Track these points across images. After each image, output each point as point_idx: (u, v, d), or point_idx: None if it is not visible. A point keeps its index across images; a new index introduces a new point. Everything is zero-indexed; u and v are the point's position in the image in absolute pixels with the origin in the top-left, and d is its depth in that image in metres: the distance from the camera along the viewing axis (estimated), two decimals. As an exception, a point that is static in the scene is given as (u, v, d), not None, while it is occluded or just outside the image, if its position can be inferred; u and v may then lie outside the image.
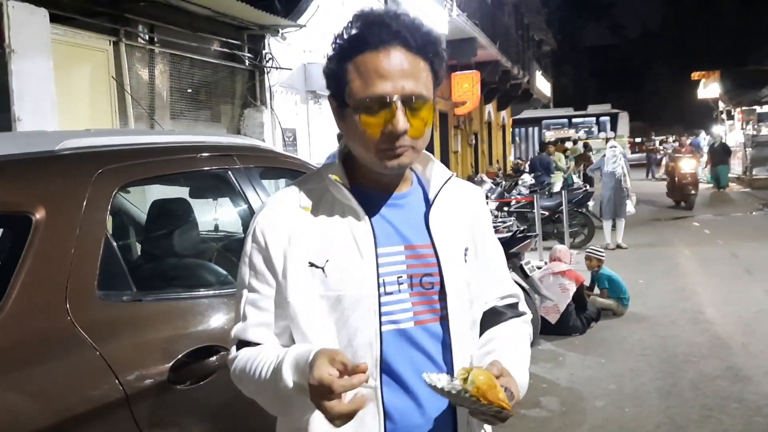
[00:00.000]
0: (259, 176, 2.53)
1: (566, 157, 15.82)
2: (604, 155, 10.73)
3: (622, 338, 5.74)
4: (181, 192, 2.71)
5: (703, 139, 23.63)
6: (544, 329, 5.52)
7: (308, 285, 1.23)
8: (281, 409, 1.23)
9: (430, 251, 1.29)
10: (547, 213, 10.18)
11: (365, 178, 1.29)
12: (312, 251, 1.23)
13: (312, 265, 1.23)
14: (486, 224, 1.43)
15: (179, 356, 1.80)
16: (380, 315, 1.22)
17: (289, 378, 1.15)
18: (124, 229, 2.58)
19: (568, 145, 19.41)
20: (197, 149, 2.32)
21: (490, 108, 21.70)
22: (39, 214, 1.64)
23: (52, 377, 1.54)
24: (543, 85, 26.55)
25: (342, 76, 1.21)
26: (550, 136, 25.17)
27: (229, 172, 2.39)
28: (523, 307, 1.47)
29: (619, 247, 10.17)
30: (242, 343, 1.28)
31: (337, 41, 1.23)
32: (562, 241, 9.50)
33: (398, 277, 1.25)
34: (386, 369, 1.23)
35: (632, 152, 32.59)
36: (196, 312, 1.98)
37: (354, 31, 1.20)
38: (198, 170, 2.32)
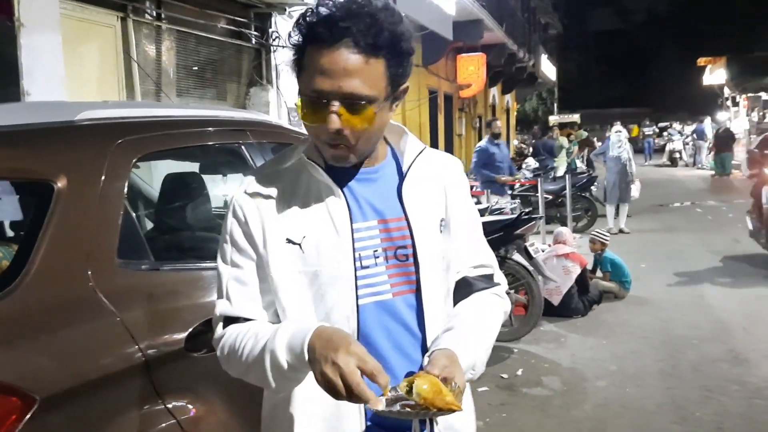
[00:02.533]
0: (271, 152, 2.56)
1: (570, 141, 15.80)
2: (609, 140, 10.72)
3: (624, 321, 5.79)
4: (193, 166, 2.74)
5: (708, 126, 23.51)
6: (547, 311, 5.57)
7: (286, 261, 1.26)
8: (268, 383, 1.22)
9: (404, 224, 1.31)
10: (550, 197, 10.20)
11: None
12: (289, 228, 1.27)
13: (289, 241, 1.26)
14: (462, 194, 1.43)
15: (195, 325, 1.84)
16: (357, 289, 1.26)
17: (283, 358, 1.16)
18: (140, 200, 2.62)
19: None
20: (212, 123, 2.34)
21: (494, 91, 21.62)
22: (61, 183, 1.67)
23: (75, 342, 1.58)
24: (548, 69, 26.42)
25: (300, 60, 1.22)
26: (554, 120, 25.09)
27: (243, 147, 2.42)
28: (498, 278, 1.46)
29: (621, 231, 10.19)
30: (229, 321, 1.30)
31: (299, 23, 1.21)
32: (564, 225, 9.53)
33: (374, 251, 1.29)
34: (363, 341, 1.24)
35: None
36: (212, 282, 2.02)
37: (310, 20, 1.19)
38: (213, 144, 2.34)
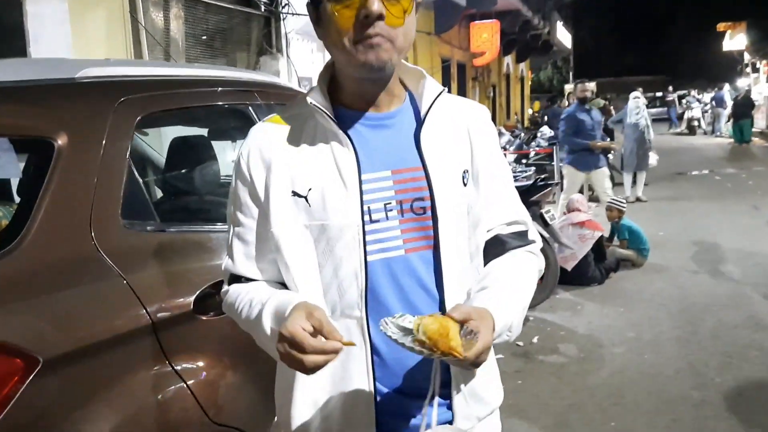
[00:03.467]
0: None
1: (586, 109, 15.55)
2: (627, 107, 10.52)
3: (641, 288, 5.71)
4: (200, 129, 2.68)
5: (727, 93, 23.06)
6: (563, 279, 5.50)
7: (292, 215, 1.20)
8: (264, 344, 1.21)
9: (421, 174, 1.21)
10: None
11: (349, 98, 1.23)
12: (295, 180, 1.20)
13: (295, 194, 1.19)
14: (490, 145, 1.32)
15: (203, 287, 1.80)
16: (365, 244, 1.18)
17: (267, 325, 1.15)
18: (147, 164, 2.57)
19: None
20: (218, 83, 2.27)
21: (508, 60, 21.30)
22: (61, 140, 1.62)
23: (78, 303, 1.53)
24: (564, 36, 25.95)
25: None
26: (569, 88, 24.71)
27: (250, 108, 2.35)
28: (532, 235, 1.36)
29: (638, 200, 10.06)
30: (233, 278, 1.29)
31: None
32: (580, 193, 9.40)
33: (386, 204, 1.20)
34: (373, 299, 1.19)
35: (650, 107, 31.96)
36: (219, 244, 1.97)
37: None
38: (218, 104, 2.28)
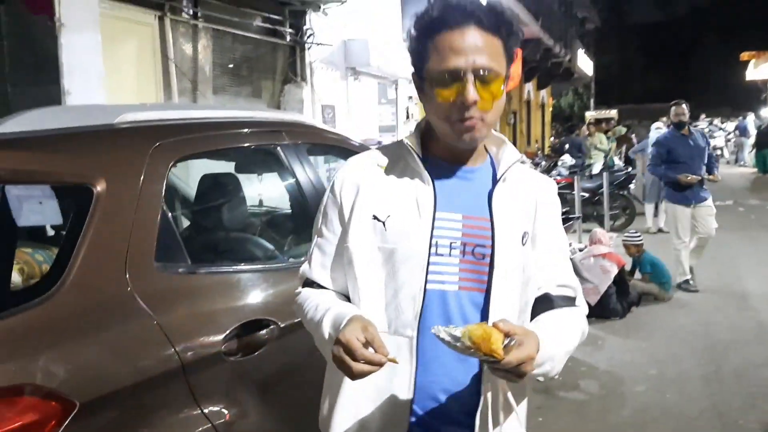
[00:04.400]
0: (306, 152, 2.54)
1: (608, 138, 15.52)
2: (649, 137, 10.49)
3: (664, 323, 5.65)
4: (229, 167, 2.74)
5: (751, 122, 22.87)
6: (584, 312, 5.47)
7: (369, 236, 1.35)
8: (321, 345, 1.36)
9: (488, 225, 1.36)
10: (587, 195, 10.02)
11: (440, 150, 1.40)
12: (377, 206, 1.36)
13: (375, 218, 1.35)
14: (552, 216, 1.47)
15: (231, 328, 1.83)
16: (427, 273, 1.32)
17: (326, 330, 1.30)
18: (176, 201, 2.63)
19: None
20: (248, 125, 2.33)
21: (530, 87, 21.37)
22: (100, 186, 1.68)
23: (113, 346, 1.58)
24: (585, 63, 26.00)
25: (423, 54, 1.32)
26: (590, 116, 24.69)
27: (278, 148, 2.41)
28: (579, 301, 1.47)
29: (660, 231, 9.96)
30: (307, 282, 1.45)
31: (419, 21, 1.34)
32: (601, 224, 9.36)
33: (451, 242, 1.34)
34: (425, 323, 1.32)
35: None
36: (247, 285, 2.01)
37: (434, 13, 1.31)
38: (249, 145, 2.33)
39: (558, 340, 1.33)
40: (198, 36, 6.70)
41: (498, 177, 1.40)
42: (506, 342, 1.16)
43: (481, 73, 1.27)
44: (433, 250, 1.33)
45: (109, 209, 1.68)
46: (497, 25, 1.30)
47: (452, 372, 1.34)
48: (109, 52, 5.30)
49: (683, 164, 6.52)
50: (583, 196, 9.52)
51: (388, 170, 1.40)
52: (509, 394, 1.40)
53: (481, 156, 1.43)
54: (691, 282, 6.66)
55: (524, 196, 1.43)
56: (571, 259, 4.69)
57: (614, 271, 5.78)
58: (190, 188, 2.74)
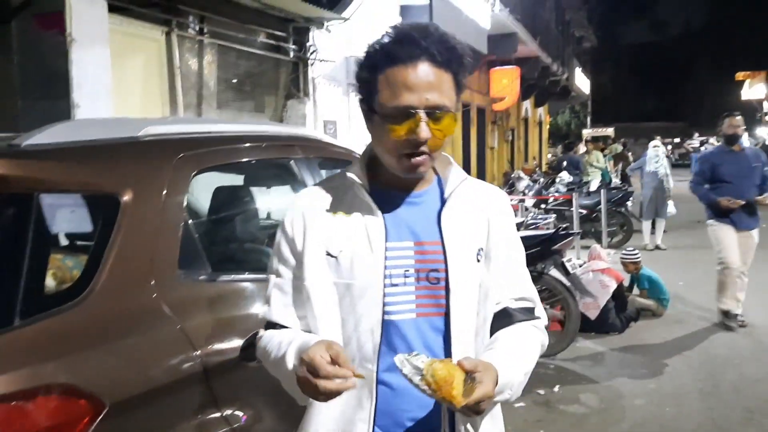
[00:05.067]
0: (317, 166, 2.62)
1: (604, 156, 15.66)
2: (646, 154, 10.62)
3: (662, 339, 5.72)
4: (241, 179, 2.81)
5: (747, 141, 23.05)
6: (583, 327, 5.53)
7: (324, 272, 1.35)
8: (289, 386, 1.32)
9: (439, 248, 1.36)
10: (585, 212, 10.12)
11: (386, 178, 1.38)
12: (329, 242, 1.35)
13: (328, 254, 1.35)
14: (506, 226, 1.46)
15: (251, 335, 1.89)
16: (384, 305, 1.32)
17: (290, 362, 1.28)
18: (193, 213, 2.69)
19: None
20: (264, 139, 2.41)
21: (527, 104, 21.55)
22: (127, 196, 1.75)
23: (140, 350, 1.64)
24: (582, 81, 26.25)
25: (373, 85, 1.31)
26: (587, 134, 24.88)
27: (292, 162, 2.48)
28: (539, 312, 1.48)
29: (657, 248, 10.06)
30: (269, 325, 1.41)
31: (370, 53, 1.33)
32: (599, 240, 9.45)
33: (405, 271, 1.34)
34: (384, 355, 1.32)
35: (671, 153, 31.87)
36: (263, 293, 2.07)
37: (386, 45, 1.30)
38: (265, 158, 2.41)
39: (517, 365, 1.34)
40: (203, 52, 6.80)
41: (445, 198, 1.40)
42: (467, 382, 1.16)
43: (434, 111, 1.27)
44: (387, 281, 1.33)
45: (135, 218, 1.75)
46: (449, 60, 1.29)
47: (412, 402, 1.33)
48: (117, 66, 5.38)
49: (729, 185, 5.69)
50: (581, 213, 9.62)
51: (337, 204, 1.39)
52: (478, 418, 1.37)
53: (428, 178, 1.43)
54: (740, 317, 5.89)
55: (475, 212, 1.42)
56: (571, 274, 4.79)
57: (613, 286, 5.86)
58: (205, 200, 2.81)
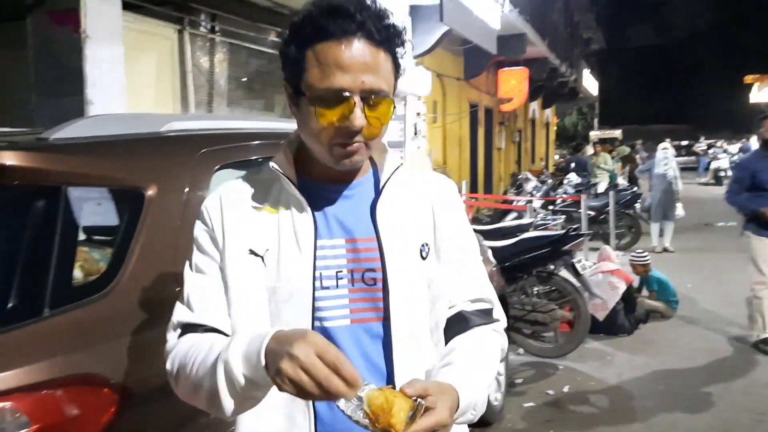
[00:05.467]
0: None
1: (612, 158, 15.65)
2: (655, 156, 10.61)
3: (671, 341, 5.72)
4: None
5: (755, 145, 23.00)
6: (592, 328, 5.53)
7: (248, 272, 1.18)
8: (219, 404, 1.08)
9: (374, 245, 1.20)
10: (593, 213, 10.12)
11: (315, 169, 1.22)
12: (254, 239, 1.19)
13: (252, 252, 1.18)
14: (455, 218, 1.30)
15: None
16: (314, 310, 1.17)
17: (238, 370, 1.03)
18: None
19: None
20: (283, 136, 2.42)
21: (534, 105, 21.54)
22: (151, 191, 1.77)
23: (163, 339, 1.65)
24: (590, 83, 26.22)
25: (299, 63, 1.12)
26: (594, 136, 24.85)
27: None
28: (497, 313, 1.33)
29: (666, 250, 10.05)
30: (186, 329, 1.19)
31: (297, 24, 1.14)
32: (607, 242, 9.44)
33: (337, 272, 1.19)
34: None
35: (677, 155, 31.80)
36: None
37: (316, 16, 1.11)
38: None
39: (479, 381, 1.18)
40: (215, 50, 6.83)
41: (380, 188, 1.23)
42: (413, 409, 0.99)
43: (370, 96, 1.10)
44: (317, 283, 1.17)
45: (159, 212, 1.77)
46: (388, 38, 1.13)
47: None
48: (130, 63, 5.42)
49: None
50: (589, 214, 9.62)
51: (262, 198, 1.22)
52: None
53: (363, 168, 1.26)
54: None
55: (417, 204, 1.26)
56: (581, 275, 4.77)
57: (622, 287, 5.86)
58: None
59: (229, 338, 1.11)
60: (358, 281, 1.20)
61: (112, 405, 1.46)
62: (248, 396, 1.06)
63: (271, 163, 1.22)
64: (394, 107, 1.15)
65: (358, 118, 1.10)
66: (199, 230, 1.24)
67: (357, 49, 1.10)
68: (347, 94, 1.09)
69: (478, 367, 1.20)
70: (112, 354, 1.52)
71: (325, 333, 1.15)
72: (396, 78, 1.18)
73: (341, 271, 1.19)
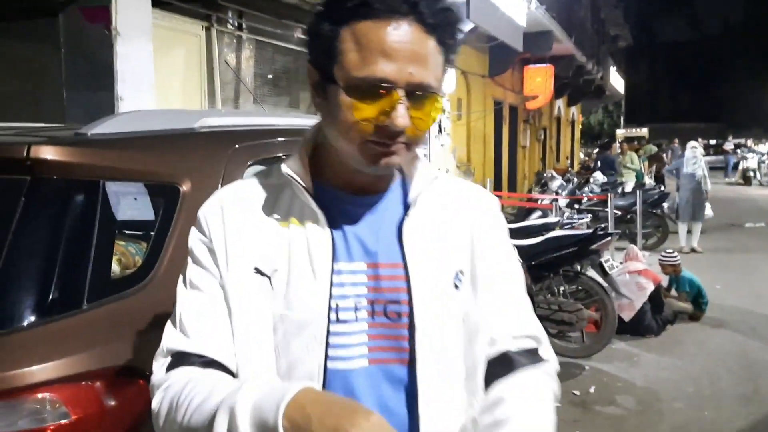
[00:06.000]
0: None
1: (639, 157, 15.47)
2: (683, 156, 10.46)
3: (700, 342, 5.64)
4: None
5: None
6: (619, 329, 5.48)
7: (253, 295, 0.98)
8: None
9: (400, 272, 1.01)
10: (619, 213, 10.00)
11: (335, 175, 1.03)
12: (260, 256, 0.99)
13: (258, 272, 0.99)
14: (497, 241, 1.09)
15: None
16: (327, 347, 0.97)
17: (244, 423, 0.82)
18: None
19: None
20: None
21: (560, 103, 21.35)
22: (186, 186, 1.79)
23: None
24: (617, 81, 25.92)
25: (333, 44, 0.94)
26: (620, 134, 24.57)
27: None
28: (545, 352, 1.09)
29: (693, 251, 9.90)
30: (177, 359, 0.98)
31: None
32: (634, 242, 9.33)
33: (356, 303, 1.00)
34: None
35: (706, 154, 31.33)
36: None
37: None
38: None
39: None
40: (242, 47, 6.89)
41: (409, 204, 1.03)
42: None
43: (417, 91, 0.93)
44: (333, 315, 0.98)
45: (194, 207, 1.78)
46: (443, 25, 0.95)
47: None
48: (159, 60, 5.48)
49: None
50: (616, 213, 9.51)
51: (271, 207, 1.02)
52: None
53: (390, 178, 1.06)
54: None
55: (452, 221, 1.06)
56: (609, 275, 4.71)
57: (650, 288, 5.79)
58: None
59: (240, 380, 0.93)
60: (380, 315, 1.00)
61: (147, 397, 1.47)
62: None
63: (283, 167, 1.02)
64: (442, 108, 0.98)
65: (401, 116, 0.91)
66: (195, 241, 1.04)
67: (406, 33, 0.91)
68: (390, 86, 0.91)
69: (534, 427, 0.99)
70: (148, 346, 1.53)
71: (339, 375, 0.98)
72: (443, 75, 0.99)
73: (360, 302, 1.00)
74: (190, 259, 1.04)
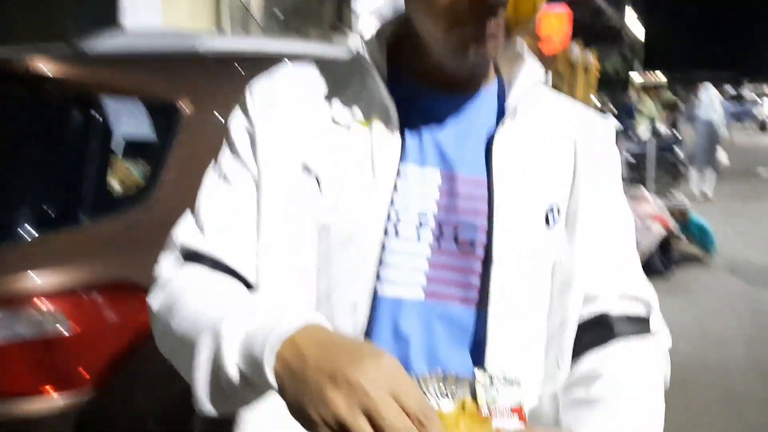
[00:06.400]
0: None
1: (655, 104, 15.21)
2: (699, 100, 10.27)
3: (707, 287, 5.64)
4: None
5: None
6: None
7: (294, 196, 0.79)
8: (196, 396, 0.68)
9: (483, 191, 0.80)
10: (633, 161, 9.89)
11: (418, 68, 0.82)
12: (311, 151, 0.80)
13: (306, 169, 0.79)
14: (606, 176, 0.86)
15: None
16: (379, 266, 0.77)
17: (231, 358, 0.64)
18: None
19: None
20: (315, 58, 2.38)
21: (575, 48, 20.91)
22: (185, 106, 1.75)
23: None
24: (635, 26, 25.29)
25: None
26: (636, 80, 24.10)
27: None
28: (656, 323, 0.86)
29: (705, 197, 9.83)
30: (188, 257, 0.79)
31: None
32: (645, 186, 9.26)
33: (421, 218, 0.79)
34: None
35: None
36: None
37: None
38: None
39: None
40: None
41: (507, 111, 0.82)
42: None
43: None
44: (390, 228, 0.77)
45: (194, 129, 1.76)
46: None
47: None
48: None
49: None
50: (628, 160, 9.41)
51: (334, 95, 0.82)
52: None
53: (483, 77, 0.84)
54: None
55: (554, 144, 0.84)
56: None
57: (661, 232, 5.77)
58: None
59: (241, 295, 0.74)
60: (448, 239, 0.79)
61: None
62: (236, 397, 0.68)
63: (361, 50, 0.81)
64: None
65: None
66: (235, 123, 0.84)
67: None
68: None
69: (639, 417, 0.77)
70: (149, 261, 1.54)
71: (388, 304, 0.77)
72: None
73: (426, 218, 0.78)
74: (225, 143, 0.85)
